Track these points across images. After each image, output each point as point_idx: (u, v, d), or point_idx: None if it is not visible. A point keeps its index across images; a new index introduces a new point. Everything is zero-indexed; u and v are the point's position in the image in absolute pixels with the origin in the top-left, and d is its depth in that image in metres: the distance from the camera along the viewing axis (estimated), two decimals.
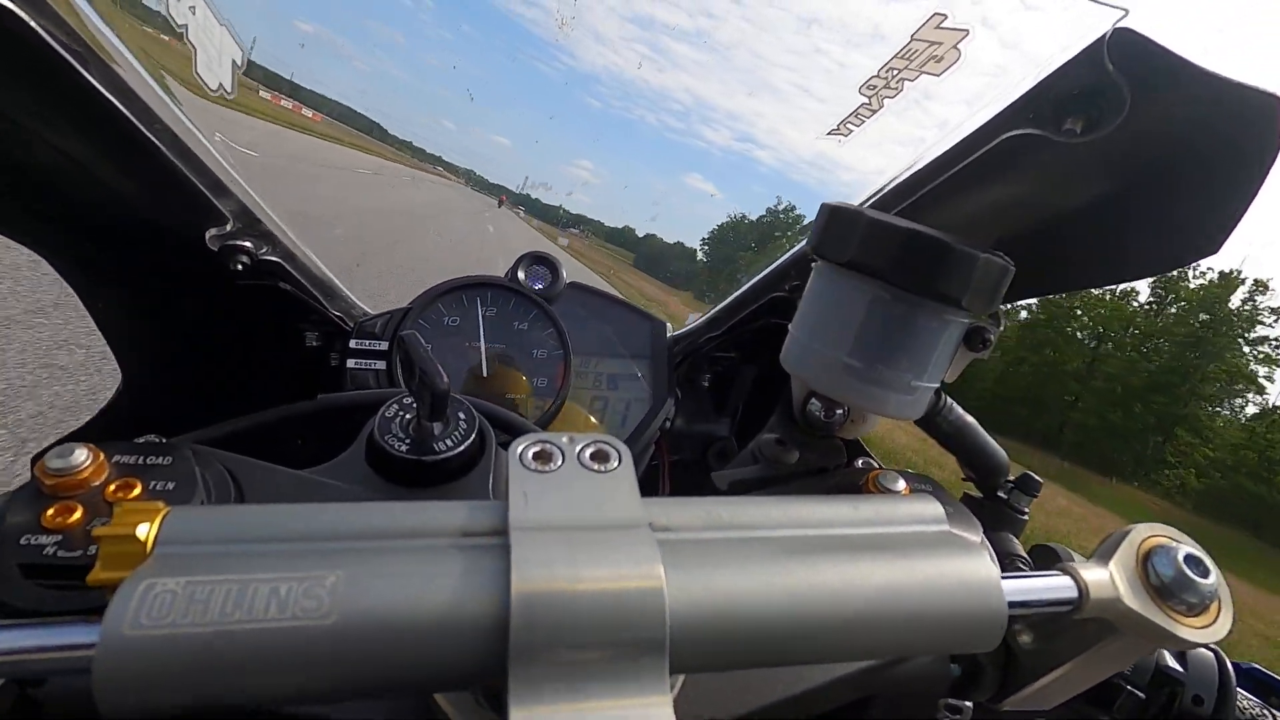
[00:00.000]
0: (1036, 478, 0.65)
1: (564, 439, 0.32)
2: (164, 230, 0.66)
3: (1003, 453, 0.65)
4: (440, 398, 0.44)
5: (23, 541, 0.34)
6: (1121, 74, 0.44)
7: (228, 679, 0.23)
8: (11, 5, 0.38)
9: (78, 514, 0.36)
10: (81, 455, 0.37)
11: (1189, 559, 0.35)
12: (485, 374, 0.85)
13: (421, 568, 0.26)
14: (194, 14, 0.55)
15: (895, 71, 0.65)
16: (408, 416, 0.47)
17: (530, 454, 0.31)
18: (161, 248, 0.68)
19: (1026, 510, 0.65)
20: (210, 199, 0.63)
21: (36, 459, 0.39)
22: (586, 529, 0.27)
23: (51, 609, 0.33)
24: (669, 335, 0.98)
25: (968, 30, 0.59)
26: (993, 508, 0.65)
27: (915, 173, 0.64)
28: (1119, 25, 0.43)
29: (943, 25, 0.60)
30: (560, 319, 0.90)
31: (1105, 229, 0.58)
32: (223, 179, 0.62)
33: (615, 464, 0.31)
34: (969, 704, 0.47)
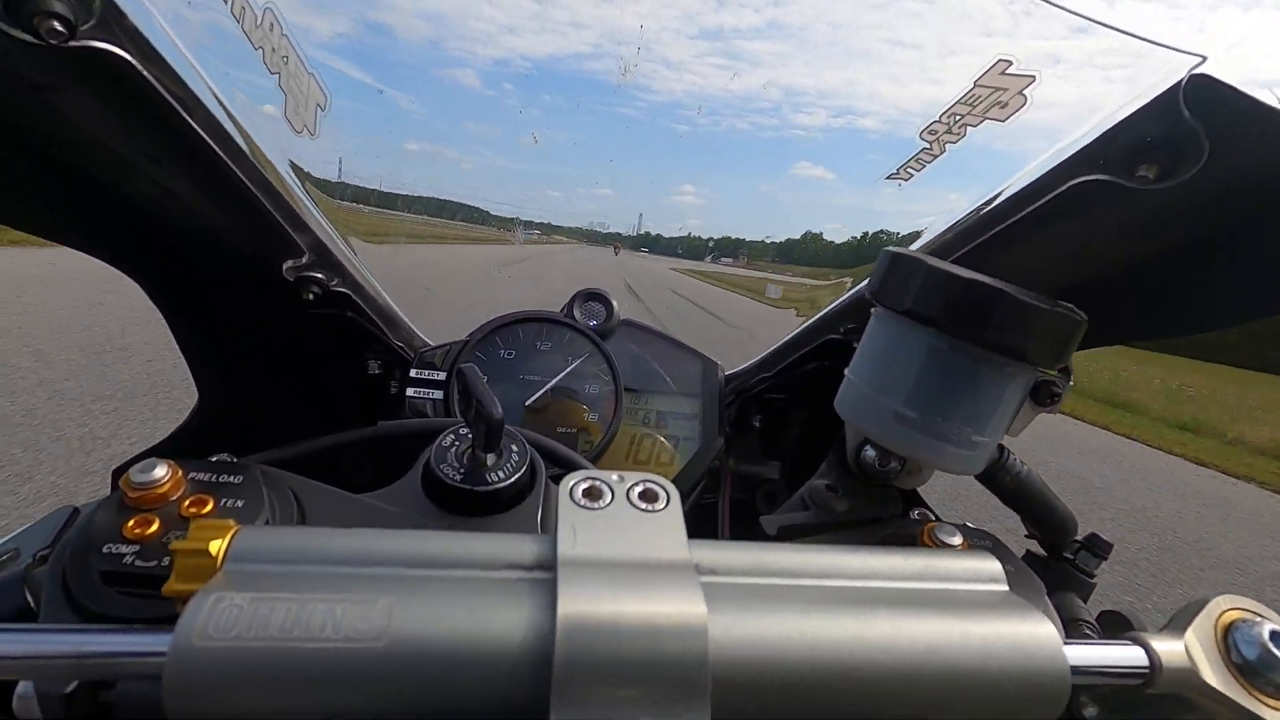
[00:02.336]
0: (1105, 539, 0.62)
1: (614, 477, 0.32)
2: (246, 260, 0.71)
3: (1070, 511, 0.62)
4: (495, 429, 0.45)
5: (105, 550, 0.36)
6: (1199, 121, 0.42)
7: (283, 693, 0.24)
8: (128, 55, 0.42)
9: (155, 526, 0.38)
10: (161, 471, 0.39)
11: (1275, 636, 0.33)
12: (539, 407, 0.87)
13: (470, 598, 0.26)
14: (286, 64, 0.60)
15: (958, 117, 0.64)
16: (463, 447, 0.48)
17: (580, 490, 0.32)
18: (243, 276, 0.73)
19: (1095, 573, 0.61)
20: (289, 232, 0.67)
21: (119, 472, 0.41)
22: (632, 568, 0.28)
23: (125, 615, 0.35)
24: (721, 375, 0.98)
25: (1034, 76, 0.58)
26: (1058, 569, 0.62)
27: (980, 217, 0.63)
28: (1196, 71, 0.42)
29: (1008, 71, 0.59)
30: (613, 355, 0.91)
31: (1185, 276, 0.56)
32: (301, 214, 0.67)
33: (663, 504, 0.31)
34: None
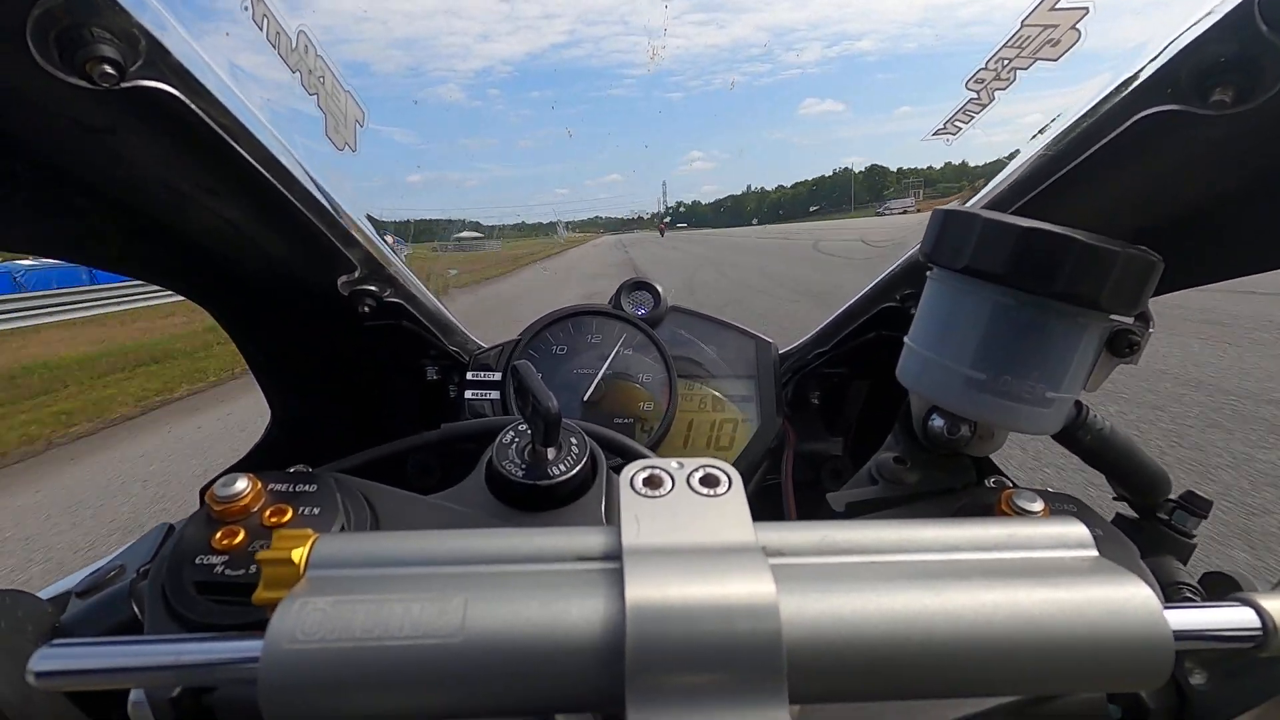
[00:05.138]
0: (1203, 496, 0.57)
1: (673, 464, 0.32)
2: (302, 279, 0.74)
3: (1162, 468, 0.58)
4: (552, 423, 0.46)
5: (198, 561, 0.39)
6: (1279, 34, 0.39)
7: (367, 689, 0.25)
8: (176, 91, 0.44)
9: (240, 536, 0.40)
10: (242, 484, 0.42)
11: None
12: (596, 399, 0.87)
13: (540, 591, 0.27)
14: (323, 84, 0.61)
15: (1005, 61, 0.61)
16: (523, 443, 0.49)
17: (640, 480, 0.31)
18: (300, 295, 0.76)
19: (1194, 534, 0.57)
20: (341, 249, 0.69)
21: (205, 489, 0.44)
22: (698, 553, 0.27)
23: (219, 621, 0.37)
24: (775, 353, 0.96)
25: (1087, 8, 0.54)
26: (1152, 530, 0.58)
27: (1034, 166, 0.59)
28: None
29: (1058, 6, 0.56)
30: (664, 342, 0.91)
31: (1269, 208, 0.52)
32: (351, 231, 0.69)
33: (725, 488, 0.31)
34: None
